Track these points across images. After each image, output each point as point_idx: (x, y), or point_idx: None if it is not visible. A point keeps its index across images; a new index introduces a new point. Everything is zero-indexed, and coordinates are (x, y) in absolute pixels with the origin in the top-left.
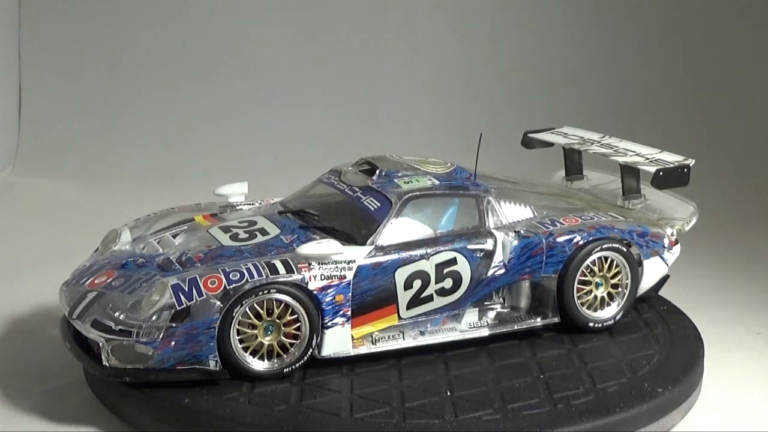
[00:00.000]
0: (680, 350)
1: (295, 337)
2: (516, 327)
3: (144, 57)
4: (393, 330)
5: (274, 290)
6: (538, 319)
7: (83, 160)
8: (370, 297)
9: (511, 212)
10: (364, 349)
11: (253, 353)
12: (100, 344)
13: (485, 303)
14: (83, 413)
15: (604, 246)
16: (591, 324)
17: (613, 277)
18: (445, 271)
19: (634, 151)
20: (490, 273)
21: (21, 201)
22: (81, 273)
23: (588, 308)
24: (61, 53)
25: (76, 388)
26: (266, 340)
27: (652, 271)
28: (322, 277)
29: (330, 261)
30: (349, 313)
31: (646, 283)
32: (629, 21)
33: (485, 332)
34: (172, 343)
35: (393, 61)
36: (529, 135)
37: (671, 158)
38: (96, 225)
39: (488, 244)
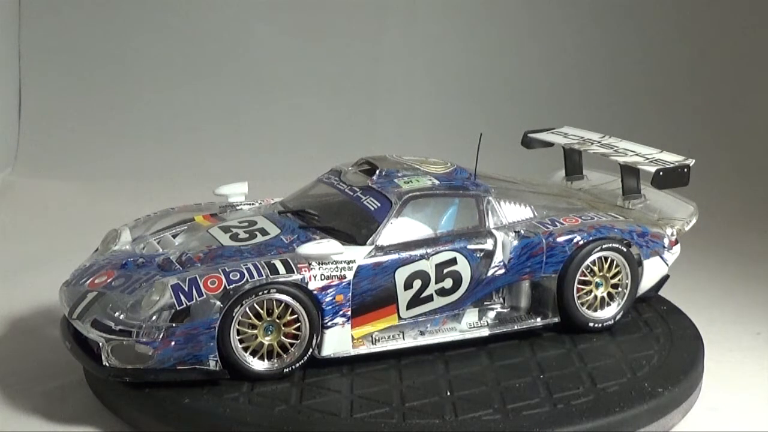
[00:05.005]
0: (680, 350)
1: (295, 337)
2: (516, 327)
3: (144, 57)
4: (393, 330)
5: (274, 290)
6: (538, 319)
7: (83, 160)
8: (370, 297)
9: (511, 212)
10: (364, 349)
11: (253, 353)
12: (100, 344)
13: (485, 303)
14: (83, 413)
15: (604, 246)
16: (591, 324)
17: (613, 277)
18: (445, 271)
19: (634, 151)
20: (490, 273)
21: (21, 201)
22: (81, 273)
23: (588, 308)
24: (61, 53)
25: (76, 388)
26: (266, 340)
27: (652, 271)
28: (322, 277)
29: (330, 261)
30: (349, 313)
31: (646, 283)
32: (629, 21)
33: (485, 332)
34: (172, 343)
35: (393, 61)
36: (529, 135)
37: (671, 158)
38: (96, 225)
39: (488, 244)
